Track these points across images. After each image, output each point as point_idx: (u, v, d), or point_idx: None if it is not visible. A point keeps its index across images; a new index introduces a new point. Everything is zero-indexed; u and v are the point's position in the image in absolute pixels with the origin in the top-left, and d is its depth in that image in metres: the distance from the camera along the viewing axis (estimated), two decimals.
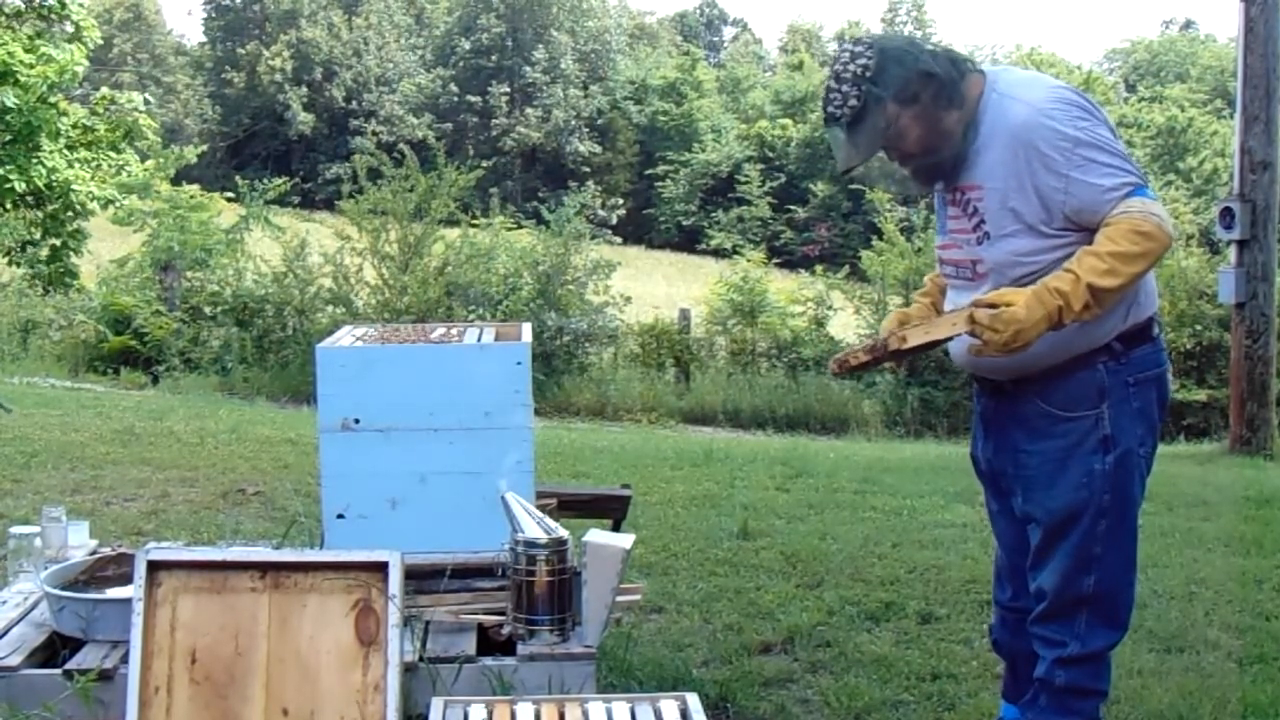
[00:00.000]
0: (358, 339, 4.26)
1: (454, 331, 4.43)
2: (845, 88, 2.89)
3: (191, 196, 17.38)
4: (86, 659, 3.44)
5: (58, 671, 3.39)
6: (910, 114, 2.90)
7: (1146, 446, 2.99)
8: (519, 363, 3.93)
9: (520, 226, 16.91)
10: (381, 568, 3.16)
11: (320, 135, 48.59)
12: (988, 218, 2.94)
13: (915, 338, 2.99)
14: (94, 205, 15.91)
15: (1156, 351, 3.01)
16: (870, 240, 17.08)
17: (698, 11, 71.87)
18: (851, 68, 2.89)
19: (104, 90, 16.79)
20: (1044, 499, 2.99)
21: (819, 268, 17.19)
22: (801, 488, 7.73)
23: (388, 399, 3.89)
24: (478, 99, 49.10)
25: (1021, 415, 3.03)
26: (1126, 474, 2.95)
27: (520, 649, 3.53)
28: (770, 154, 48.29)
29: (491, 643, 3.65)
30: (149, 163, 17.55)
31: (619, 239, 40.15)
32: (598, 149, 49.17)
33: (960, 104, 2.92)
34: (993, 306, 2.78)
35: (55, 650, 3.56)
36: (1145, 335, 2.98)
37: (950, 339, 2.98)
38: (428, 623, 3.69)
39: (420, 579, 3.76)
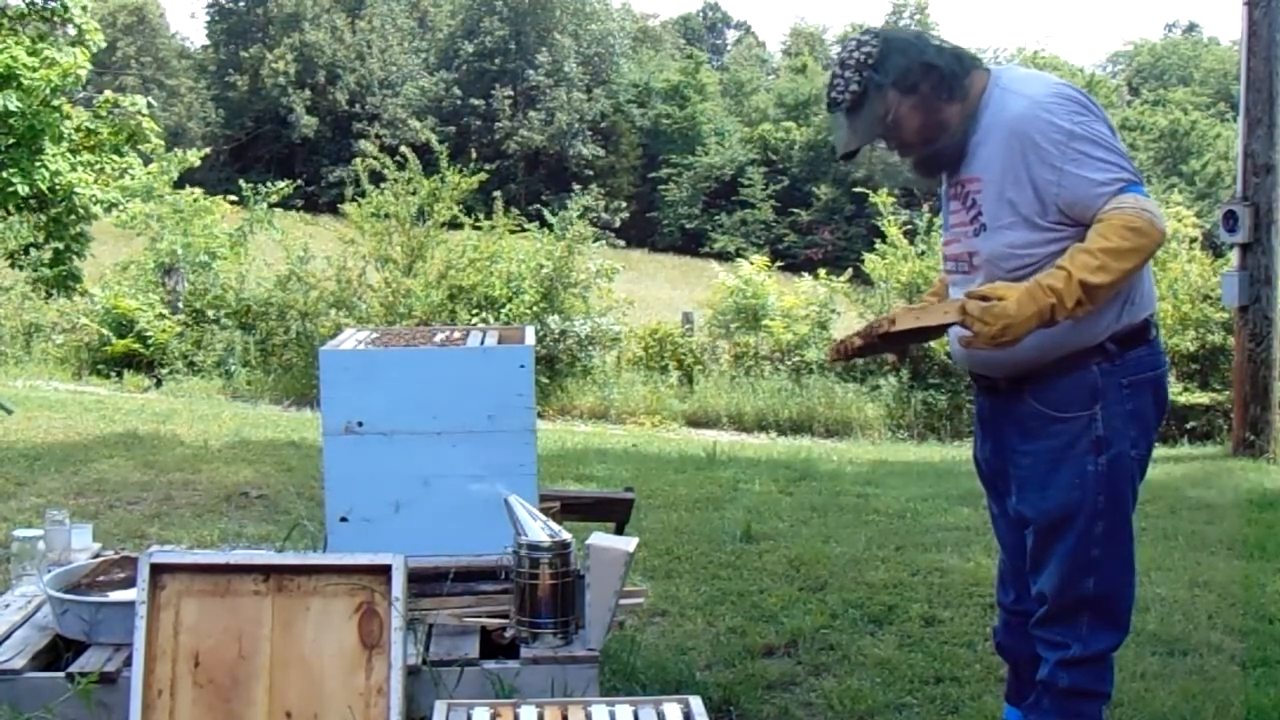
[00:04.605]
0: (361, 342, 4.26)
1: (457, 335, 4.44)
2: (848, 73, 2.96)
3: (195, 200, 17.38)
4: (89, 662, 3.44)
5: (61, 674, 3.39)
6: (910, 103, 2.94)
7: (1140, 449, 2.98)
8: (522, 366, 3.94)
9: (524, 230, 16.89)
10: (385, 571, 3.16)
11: (323, 138, 48.58)
12: (985, 209, 2.96)
13: (904, 321, 3.00)
14: (97, 209, 15.92)
15: (1153, 354, 3.01)
16: (873, 243, 17.07)
17: (701, 14, 71.94)
18: (856, 55, 2.95)
19: (107, 94, 16.76)
20: (1037, 500, 3.00)
21: (822, 271, 17.15)
22: (804, 491, 7.73)
23: (391, 402, 3.89)
24: (481, 102, 49.10)
25: (1016, 415, 3.04)
26: (1119, 476, 2.95)
27: (523, 652, 3.52)
28: (773, 157, 48.33)
29: (494, 646, 3.65)
30: (152, 166, 17.55)
31: (622, 242, 40.18)
32: (601, 152, 49.19)
33: (962, 97, 2.95)
34: (985, 299, 2.78)
35: (58, 653, 3.56)
36: (1141, 337, 2.97)
37: (940, 327, 3.00)
38: (431, 626, 3.70)
39: (423, 582, 3.76)
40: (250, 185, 18.13)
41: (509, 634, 3.62)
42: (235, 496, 6.78)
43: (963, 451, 10.93)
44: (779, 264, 23.50)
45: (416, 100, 49.50)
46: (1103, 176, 2.81)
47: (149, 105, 16.80)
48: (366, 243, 15.44)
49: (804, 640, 4.48)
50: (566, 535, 3.59)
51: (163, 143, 17.66)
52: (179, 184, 17.81)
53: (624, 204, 46.06)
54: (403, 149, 16.12)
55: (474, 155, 19.21)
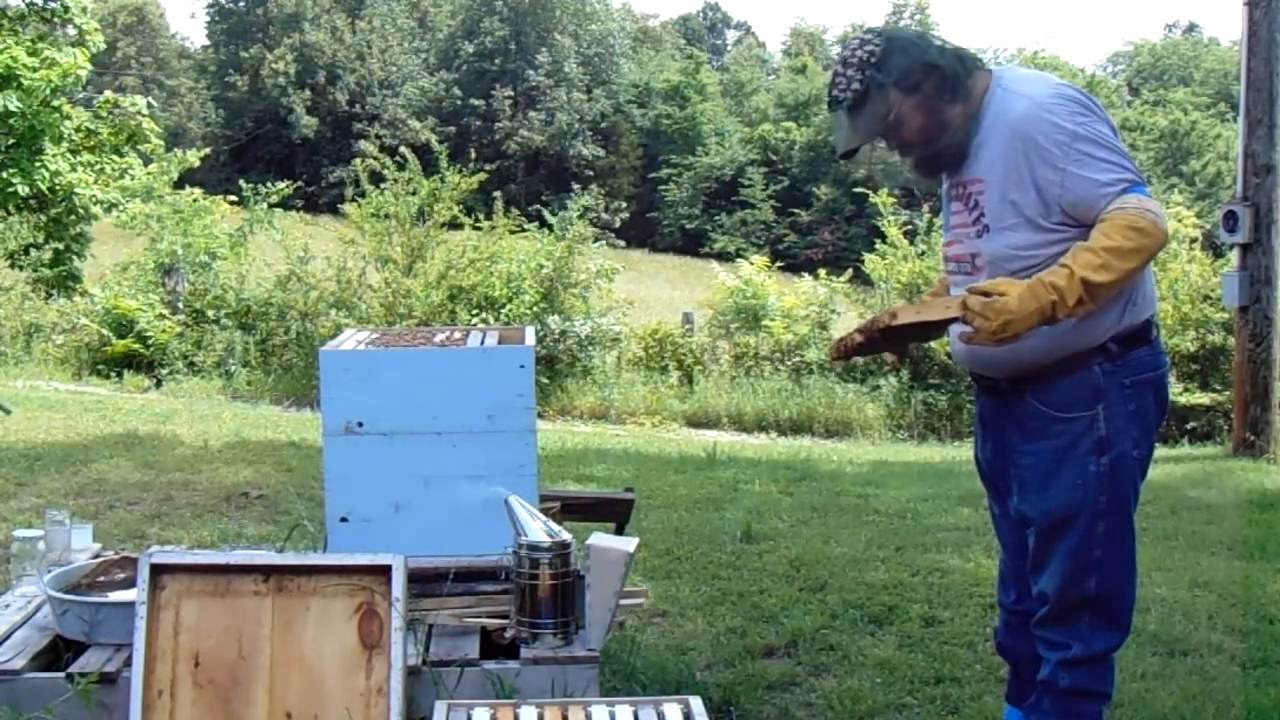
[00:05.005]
0: (361, 343, 4.26)
1: (457, 335, 4.44)
2: (850, 72, 2.96)
3: (195, 200, 17.39)
4: (89, 662, 3.44)
5: (61, 675, 3.39)
6: (911, 102, 2.94)
7: (1141, 449, 2.98)
8: (522, 366, 3.93)
9: (524, 230, 16.88)
10: (385, 571, 3.16)
11: (323, 139, 48.54)
12: (987, 210, 2.96)
13: (905, 316, 3.02)
14: (97, 209, 15.93)
15: (1154, 354, 3.01)
16: (873, 244, 17.07)
17: (701, 15, 71.94)
18: (859, 53, 2.96)
19: (107, 94, 16.79)
20: (1038, 500, 3.00)
21: (822, 271, 17.14)
22: (805, 491, 7.73)
23: (391, 402, 3.89)
24: (481, 102, 49.07)
25: (1017, 415, 3.04)
26: (1121, 476, 2.95)
27: (523, 652, 3.52)
28: (774, 157, 48.31)
29: (494, 646, 3.65)
30: (152, 166, 17.56)
31: (622, 242, 40.18)
32: (601, 152, 49.17)
33: (964, 98, 2.95)
34: (986, 295, 2.79)
35: (58, 653, 3.56)
36: (1142, 338, 2.97)
37: (941, 322, 3.00)
38: (431, 626, 3.69)
39: (423, 582, 3.76)
40: (250, 185, 18.13)
41: (509, 634, 3.61)
42: (235, 497, 6.78)
43: (963, 451, 10.93)
44: (779, 264, 23.47)
45: (416, 100, 49.47)
46: (1106, 177, 2.81)
47: (149, 105, 16.81)
48: (366, 243, 15.44)
49: (804, 640, 4.48)
50: (566, 535, 3.59)
51: (163, 143, 17.68)
52: (179, 184, 17.82)
53: (624, 204, 46.02)
54: (402, 149, 16.11)
55: (474, 155, 19.19)
